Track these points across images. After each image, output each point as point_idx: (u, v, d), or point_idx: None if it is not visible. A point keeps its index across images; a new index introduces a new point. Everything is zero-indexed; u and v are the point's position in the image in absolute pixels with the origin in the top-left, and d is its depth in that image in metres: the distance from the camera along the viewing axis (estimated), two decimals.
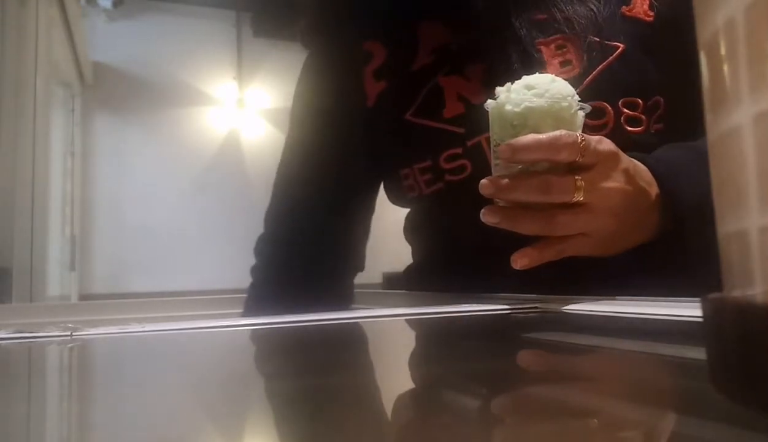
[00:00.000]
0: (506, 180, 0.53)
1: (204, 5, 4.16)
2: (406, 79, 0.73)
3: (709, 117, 0.18)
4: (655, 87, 0.67)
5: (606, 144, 0.54)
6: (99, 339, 0.42)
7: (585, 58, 0.67)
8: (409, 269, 0.85)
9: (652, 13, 0.69)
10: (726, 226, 0.17)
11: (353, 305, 0.87)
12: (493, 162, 0.56)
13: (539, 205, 0.54)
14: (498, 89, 0.55)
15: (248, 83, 4.27)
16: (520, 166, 0.53)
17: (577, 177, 0.53)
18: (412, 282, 0.83)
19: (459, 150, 0.69)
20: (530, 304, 0.54)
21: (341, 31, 0.81)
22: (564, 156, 0.52)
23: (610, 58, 0.66)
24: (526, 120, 0.53)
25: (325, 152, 0.80)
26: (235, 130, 4.22)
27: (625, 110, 0.66)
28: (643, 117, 0.66)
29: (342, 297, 0.84)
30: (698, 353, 0.23)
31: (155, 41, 4.05)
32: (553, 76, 0.55)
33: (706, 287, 0.20)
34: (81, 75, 3.71)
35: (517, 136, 0.52)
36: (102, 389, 0.29)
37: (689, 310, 0.40)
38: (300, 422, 0.21)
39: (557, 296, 0.57)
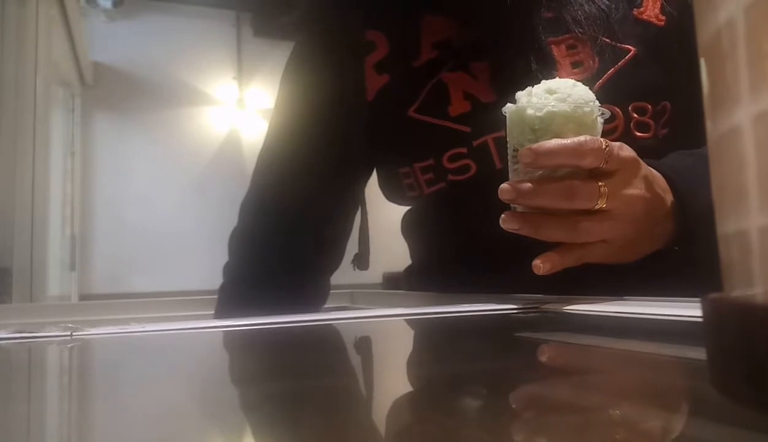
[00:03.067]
0: (529, 185, 0.52)
1: (204, 5, 4.16)
2: (408, 74, 0.71)
3: (709, 117, 0.18)
4: (663, 92, 0.66)
5: (627, 151, 0.54)
6: (99, 339, 0.42)
7: (597, 60, 0.66)
8: (409, 269, 0.84)
9: (663, 18, 0.68)
10: (726, 226, 0.17)
11: (353, 305, 0.86)
12: (510, 167, 0.55)
13: (559, 211, 0.53)
14: (519, 94, 0.54)
15: (248, 83, 4.27)
16: (540, 172, 0.53)
17: (600, 183, 0.52)
18: (412, 282, 0.82)
19: (464, 150, 0.67)
20: (530, 304, 0.54)
21: (341, 17, 0.77)
22: (588, 162, 0.51)
23: (622, 61, 0.66)
24: (549, 125, 0.52)
25: (315, 145, 0.76)
26: (235, 130, 4.22)
27: (635, 115, 0.65)
28: (651, 122, 0.65)
29: (318, 295, 0.80)
30: (698, 353, 0.23)
31: (155, 41, 4.05)
32: (574, 80, 0.54)
33: (706, 286, 0.20)
34: (81, 75, 3.70)
35: (538, 141, 0.52)
36: (102, 389, 0.29)
37: (689, 310, 0.40)
38: (300, 423, 0.21)
39: (558, 296, 0.57)
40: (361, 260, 0.84)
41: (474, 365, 0.32)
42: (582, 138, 0.51)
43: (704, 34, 0.17)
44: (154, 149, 4.02)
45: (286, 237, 0.76)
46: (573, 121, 0.52)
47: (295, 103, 0.79)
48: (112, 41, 3.95)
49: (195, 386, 0.29)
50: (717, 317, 0.17)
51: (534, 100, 0.53)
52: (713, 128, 0.17)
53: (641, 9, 0.68)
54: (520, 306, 0.53)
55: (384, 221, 1.00)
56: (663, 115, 0.66)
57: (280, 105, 0.81)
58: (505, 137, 0.56)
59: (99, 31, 3.89)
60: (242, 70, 4.26)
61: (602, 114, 0.54)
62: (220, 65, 4.22)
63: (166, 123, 4.06)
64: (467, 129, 0.67)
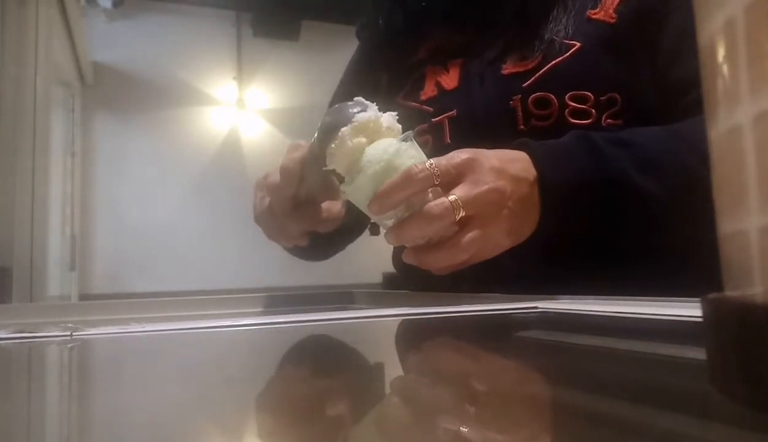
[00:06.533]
0: (398, 227, 0.56)
1: (204, 5, 4.17)
2: (403, 69, 0.84)
3: (709, 117, 0.18)
4: (612, 83, 0.68)
5: (460, 154, 0.56)
6: (99, 339, 0.42)
7: (542, 54, 0.70)
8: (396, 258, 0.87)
9: (615, 15, 0.70)
10: (726, 226, 0.17)
11: (353, 305, 0.87)
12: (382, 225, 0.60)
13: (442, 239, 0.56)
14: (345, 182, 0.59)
15: (248, 83, 4.27)
16: (400, 213, 0.56)
17: (450, 196, 0.54)
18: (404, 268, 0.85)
19: (425, 126, 0.78)
20: (530, 304, 0.54)
21: (381, 33, 0.90)
22: (420, 185, 0.54)
23: (566, 55, 0.69)
24: (375, 185, 0.55)
25: None
26: (235, 130, 4.22)
27: (572, 103, 0.68)
28: (593, 111, 0.68)
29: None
30: (698, 353, 0.23)
31: (155, 41, 4.05)
32: (366, 148, 0.57)
33: (706, 286, 0.21)
34: (81, 75, 3.71)
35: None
36: (102, 389, 0.29)
37: (689, 310, 0.40)
38: (299, 423, 0.21)
39: (557, 296, 0.57)
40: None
41: (474, 365, 0.32)
42: (408, 169, 0.54)
43: (704, 34, 0.17)
44: (154, 149, 4.02)
45: None
46: (384, 170, 0.55)
47: (345, 85, 0.97)
48: (112, 41, 3.96)
49: (195, 386, 0.29)
50: (717, 317, 0.17)
51: (350, 185, 0.57)
52: (713, 128, 0.17)
53: (596, 10, 0.71)
54: (520, 306, 0.53)
55: None
56: (611, 107, 0.68)
57: (340, 83, 0.99)
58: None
59: (99, 31, 3.89)
60: (242, 70, 4.27)
61: (405, 139, 0.56)
62: (220, 65, 4.23)
63: (166, 123, 4.07)
64: (430, 109, 0.78)
